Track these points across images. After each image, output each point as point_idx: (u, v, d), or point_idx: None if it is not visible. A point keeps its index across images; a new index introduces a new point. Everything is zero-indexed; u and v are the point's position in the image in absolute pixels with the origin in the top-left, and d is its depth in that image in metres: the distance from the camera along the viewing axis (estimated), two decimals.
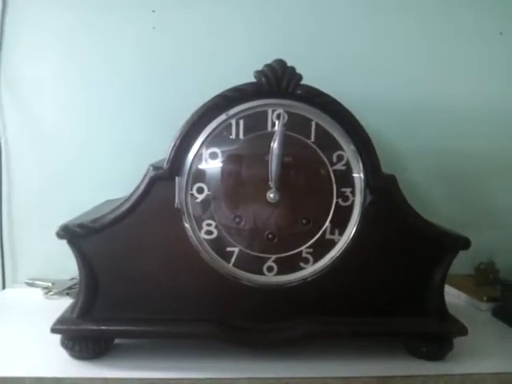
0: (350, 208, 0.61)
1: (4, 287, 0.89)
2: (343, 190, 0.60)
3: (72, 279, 0.84)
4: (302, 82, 0.59)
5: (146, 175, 0.58)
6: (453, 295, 0.87)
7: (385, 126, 0.91)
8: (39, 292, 0.84)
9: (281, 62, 0.58)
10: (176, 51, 0.88)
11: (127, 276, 0.60)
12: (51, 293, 0.82)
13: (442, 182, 0.96)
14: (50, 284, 0.85)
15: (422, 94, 0.93)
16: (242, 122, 0.58)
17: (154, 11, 0.86)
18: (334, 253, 0.61)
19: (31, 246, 0.89)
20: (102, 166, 0.89)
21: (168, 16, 0.87)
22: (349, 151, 0.60)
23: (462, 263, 0.84)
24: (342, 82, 0.88)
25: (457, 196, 0.96)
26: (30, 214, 0.89)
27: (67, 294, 0.81)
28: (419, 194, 0.94)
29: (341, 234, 0.61)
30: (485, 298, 0.83)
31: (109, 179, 0.88)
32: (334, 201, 0.60)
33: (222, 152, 0.59)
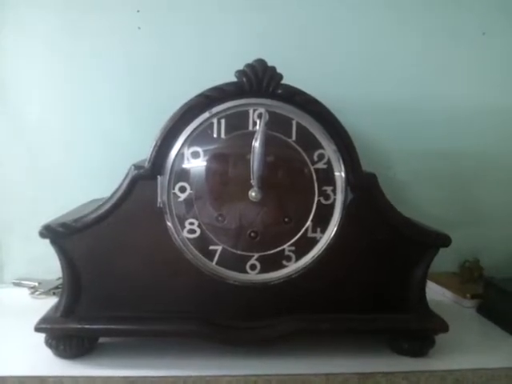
0: (332, 206, 0.61)
1: None
2: (324, 188, 0.61)
3: (58, 279, 0.83)
4: (283, 82, 0.59)
5: (127, 175, 0.59)
6: (437, 292, 0.88)
7: (373, 126, 0.92)
8: (26, 292, 0.84)
9: (261, 62, 0.58)
10: (161, 51, 0.88)
11: (110, 275, 0.60)
12: (38, 292, 0.82)
13: (428, 182, 0.96)
14: (36, 284, 0.85)
15: (409, 95, 0.94)
16: (223, 122, 0.59)
17: (138, 11, 0.86)
18: (316, 251, 0.61)
19: (18, 245, 0.89)
20: (89, 166, 0.89)
21: (153, 16, 0.87)
22: (329, 150, 0.60)
23: (447, 261, 0.86)
24: (331, 83, 0.89)
25: (442, 195, 0.97)
26: (16, 213, 0.89)
27: (53, 293, 0.81)
28: (406, 194, 0.95)
29: (322, 232, 0.61)
30: (469, 295, 0.83)
31: (96, 178, 0.87)
32: (316, 199, 0.61)
33: (204, 151, 0.59)
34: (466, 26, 0.93)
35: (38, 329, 0.59)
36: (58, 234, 0.59)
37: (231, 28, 0.89)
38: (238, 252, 0.61)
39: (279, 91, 0.59)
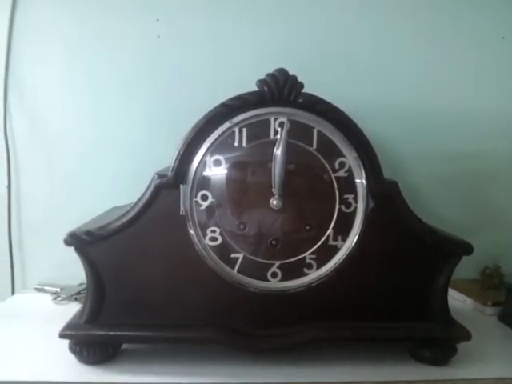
0: (353, 214, 0.61)
1: (13, 293, 0.90)
2: (346, 196, 0.61)
3: (80, 285, 0.85)
4: (304, 90, 0.60)
5: (151, 183, 0.60)
6: (458, 300, 0.87)
7: (388, 131, 0.92)
8: (48, 297, 0.85)
9: (282, 71, 0.59)
10: (180, 59, 0.89)
11: (133, 282, 0.61)
12: (60, 298, 0.84)
13: (446, 187, 0.96)
14: (58, 289, 0.86)
15: (425, 99, 0.93)
16: (244, 130, 0.59)
17: (158, 20, 0.87)
18: (337, 259, 0.62)
19: (40, 251, 0.91)
20: (111, 173, 0.90)
21: (172, 25, 0.88)
22: (351, 158, 0.60)
23: (467, 268, 0.85)
24: (345, 88, 0.89)
25: (461, 200, 0.96)
26: (38, 220, 0.90)
27: (75, 299, 0.82)
28: (423, 199, 0.94)
29: (344, 240, 0.61)
30: (490, 303, 0.83)
31: (118, 185, 0.89)
32: (337, 207, 0.61)
33: (226, 159, 0.60)
34: (485, 29, 0.93)
35: (62, 335, 0.60)
36: (83, 241, 0.60)
37: (251, 36, 0.89)
38: (259, 260, 0.61)
39: (300, 100, 0.59)
